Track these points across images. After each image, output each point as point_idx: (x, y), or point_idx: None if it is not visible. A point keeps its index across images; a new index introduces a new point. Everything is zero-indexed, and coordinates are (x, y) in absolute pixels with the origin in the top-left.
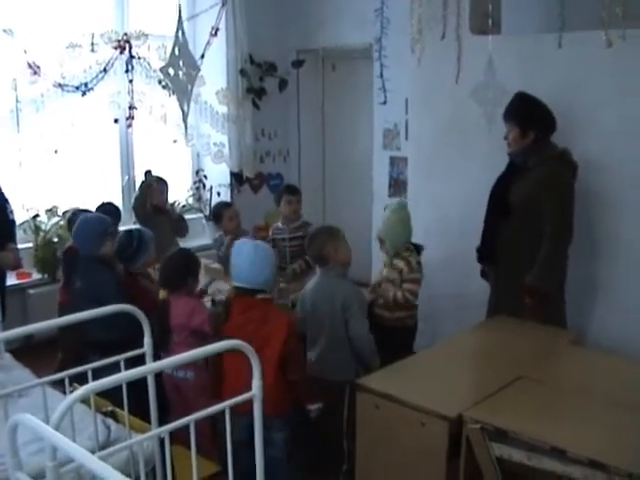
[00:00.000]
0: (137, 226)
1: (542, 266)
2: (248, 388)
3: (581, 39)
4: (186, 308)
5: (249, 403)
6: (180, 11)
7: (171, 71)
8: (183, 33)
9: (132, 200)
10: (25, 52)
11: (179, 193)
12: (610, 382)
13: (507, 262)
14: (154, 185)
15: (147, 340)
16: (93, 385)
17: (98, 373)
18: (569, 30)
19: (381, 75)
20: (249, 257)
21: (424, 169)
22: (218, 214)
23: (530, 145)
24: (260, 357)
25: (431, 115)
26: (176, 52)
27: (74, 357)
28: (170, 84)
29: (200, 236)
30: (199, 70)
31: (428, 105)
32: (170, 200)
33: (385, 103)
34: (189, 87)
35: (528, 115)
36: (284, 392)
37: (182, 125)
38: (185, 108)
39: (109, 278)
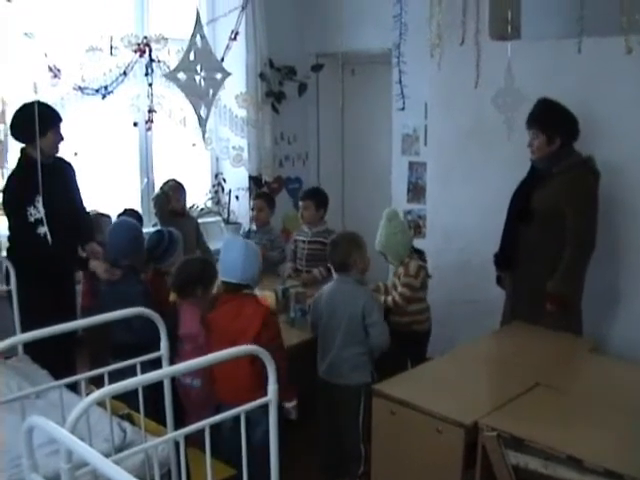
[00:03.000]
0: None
1: (564, 273)
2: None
3: (601, 45)
4: (193, 318)
5: (236, 392)
6: (198, 16)
7: (181, 76)
8: (203, 37)
9: (151, 205)
10: (45, 55)
11: (198, 196)
12: (629, 391)
13: (526, 268)
14: (170, 193)
15: (164, 344)
16: (109, 389)
17: (118, 375)
18: (589, 35)
19: (400, 81)
20: (240, 254)
21: (443, 174)
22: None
23: (555, 152)
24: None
25: (450, 120)
26: (191, 57)
27: (97, 361)
28: (180, 89)
29: (218, 239)
30: (227, 73)
31: (447, 110)
32: (189, 204)
33: (403, 109)
34: (210, 91)
35: (555, 122)
36: (260, 384)
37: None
38: (203, 113)
39: (135, 286)
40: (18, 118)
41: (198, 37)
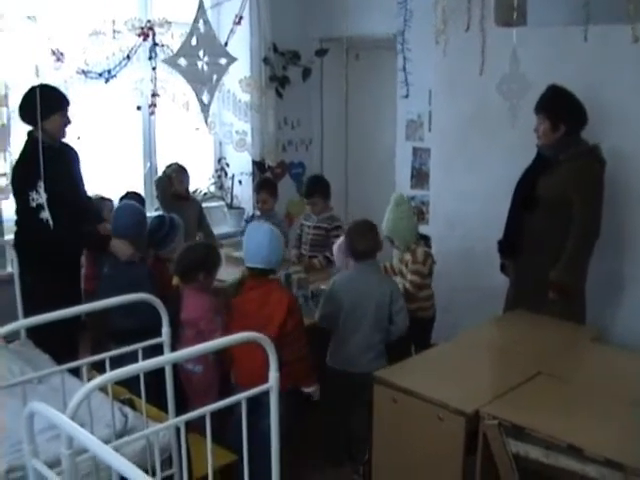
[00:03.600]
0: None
1: (568, 262)
2: (254, 366)
3: (607, 32)
4: (196, 304)
5: (251, 376)
6: (201, 1)
7: (181, 62)
8: (206, 22)
9: (154, 189)
10: (49, 39)
11: (201, 181)
12: (631, 380)
13: (530, 256)
14: (173, 175)
15: (165, 330)
16: (110, 375)
17: (119, 360)
18: (595, 23)
19: (404, 68)
20: (265, 239)
21: (447, 161)
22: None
23: (560, 139)
24: (263, 333)
25: (455, 107)
26: (193, 42)
27: (99, 345)
28: (181, 75)
29: (222, 224)
30: (233, 58)
31: (452, 97)
32: (192, 188)
33: (407, 97)
34: (214, 77)
35: (560, 109)
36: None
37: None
38: (206, 99)
39: (141, 269)
40: (26, 100)
41: (201, 22)
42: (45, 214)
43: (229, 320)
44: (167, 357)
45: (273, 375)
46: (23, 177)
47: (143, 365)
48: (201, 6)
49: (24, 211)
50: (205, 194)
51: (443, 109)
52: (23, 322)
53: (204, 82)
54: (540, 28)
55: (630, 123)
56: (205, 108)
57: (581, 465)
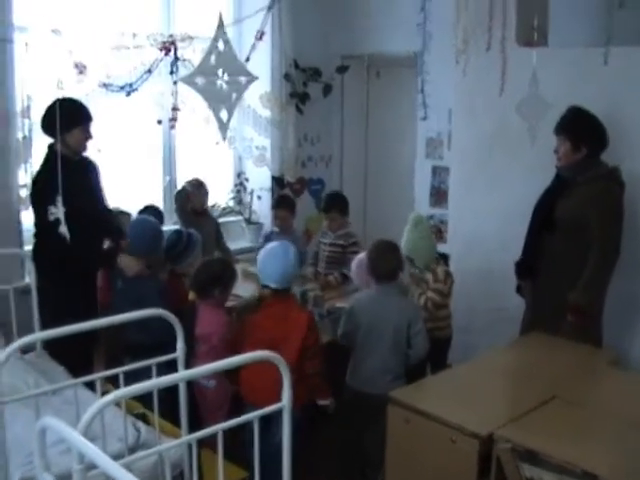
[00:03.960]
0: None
1: (588, 284)
2: (267, 385)
3: (628, 54)
4: (211, 320)
5: (263, 394)
6: (221, 20)
7: (199, 80)
8: (227, 42)
9: (173, 203)
10: (72, 52)
11: (220, 195)
12: None
13: (547, 278)
14: (190, 191)
15: (180, 345)
16: (124, 391)
17: (133, 374)
18: (616, 45)
19: (422, 90)
20: (280, 261)
21: (466, 180)
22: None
23: (580, 161)
24: (280, 352)
25: (474, 127)
26: (212, 61)
27: (114, 358)
28: (198, 93)
29: (240, 239)
30: (253, 77)
31: (471, 117)
32: (211, 202)
33: (425, 119)
34: (234, 95)
35: (582, 130)
36: (294, 387)
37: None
38: (224, 117)
39: (151, 283)
40: (49, 112)
41: (220, 41)
42: (63, 229)
43: (243, 337)
44: (181, 374)
45: (286, 395)
46: (42, 190)
47: (157, 382)
48: (221, 25)
49: (42, 224)
50: (224, 209)
51: (463, 128)
52: (39, 335)
53: (223, 100)
54: (561, 49)
55: None
56: (223, 126)
57: None
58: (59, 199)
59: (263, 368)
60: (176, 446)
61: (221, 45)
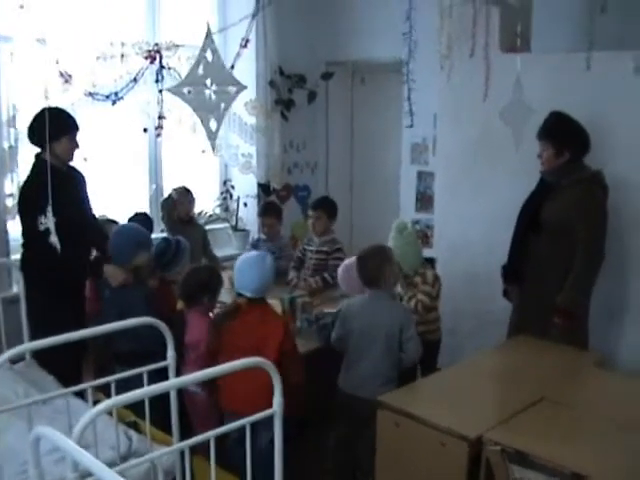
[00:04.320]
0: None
1: (573, 287)
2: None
3: (609, 59)
4: (200, 327)
5: (244, 402)
6: (209, 30)
7: (186, 90)
8: (215, 52)
9: (159, 211)
10: (57, 62)
11: (206, 203)
12: (634, 407)
13: (534, 281)
14: (176, 198)
15: (170, 353)
16: (115, 400)
17: (124, 383)
18: (598, 49)
19: (408, 98)
20: (255, 271)
21: (451, 185)
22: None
23: (564, 165)
24: (258, 356)
25: (459, 132)
26: (200, 71)
27: (103, 367)
28: (187, 103)
29: (226, 246)
30: (242, 87)
31: (456, 122)
32: (197, 210)
33: (412, 126)
34: (222, 105)
35: (564, 135)
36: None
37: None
38: (213, 127)
39: (137, 292)
40: (35, 121)
41: (209, 51)
42: (53, 239)
43: (220, 345)
44: (172, 382)
45: (277, 400)
46: (32, 200)
47: (148, 390)
48: (209, 35)
49: (31, 233)
50: (210, 216)
51: (448, 134)
52: (29, 345)
53: (211, 110)
54: (544, 55)
55: (633, 147)
56: (212, 136)
57: None
58: (49, 209)
59: (243, 376)
60: (169, 453)
61: (209, 55)
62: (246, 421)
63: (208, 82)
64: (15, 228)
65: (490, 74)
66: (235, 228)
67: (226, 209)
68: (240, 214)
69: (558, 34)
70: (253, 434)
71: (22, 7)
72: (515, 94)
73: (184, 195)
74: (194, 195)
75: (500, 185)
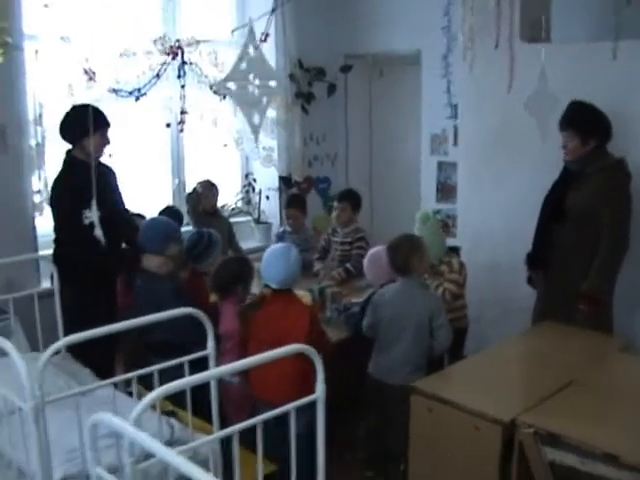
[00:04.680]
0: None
1: (599, 274)
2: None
3: (633, 48)
4: (234, 316)
5: (277, 391)
6: (251, 26)
7: (231, 85)
8: (257, 48)
9: (183, 205)
10: (81, 59)
11: (228, 196)
12: None
13: (559, 268)
14: (200, 192)
15: (210, 343)
16: (165, 388)
17: (160, 373)
18: (621, 38)
19: (448, 91)
20: (282, 263)
21: (474, 176)
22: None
23: (589, 153)
24: (283, 345)
25: (481, 122)
26: (242, 66)
27: (135, 358)
28: (231, 98)
29: (249, 238)
30: (283, 81)
31: (478, 112)
32: (220, 203)
33: (453, 117)
34: (264, 99)
35: (589, 123)
36: (302, 381)
37: (232, 129)
38: (256, 121)
39: (168, 284)
40: (67, 119)
41: (251, 47)
42: (98, 232)
43: (246, 332)
44: (213, 372)
45: (320, 387)
46: (74, 195)
47: (191, 379)
48: (251, 31)
49: (67, 228)
50: (233, 209)
51: (470, 124)
52: (71, 338)
53: (254, 104)
54: (567, 45)
55: None
56: (256, 129)
57: (616, 472)
58: (94, 202)
59: (272, 365)
60: (212, 441)
61: (251, 50)
62: (291, 406)
63: (251, 77)
64: (42, 225)
65: (514, 65)
66: (257, 221)
67: (248, 202)
68: (262, 207)
69: (576, 24)
70: (286, 423)
71: (46, 6)
72: (540, 84)
73: (208, 188)
74: (218, 188)
75: (522, 174)
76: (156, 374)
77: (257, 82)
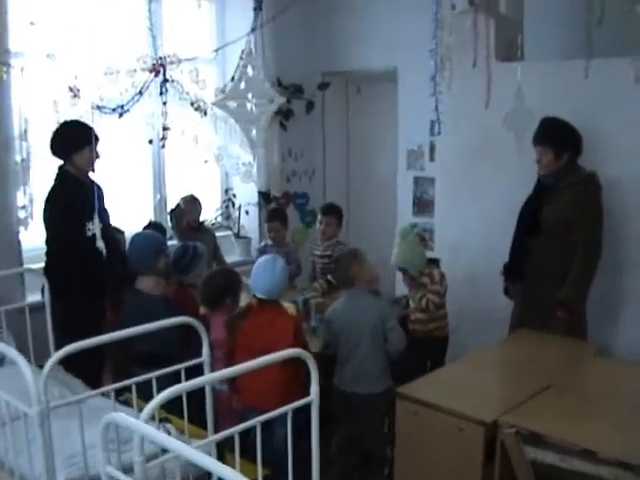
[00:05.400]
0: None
1: (574, 283)
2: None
3: (604, 66)
4: (223, 325)
5: (263, 397)
6: (250, 47)
7: (230, 104)
8: (255, 68)
9: (165, 220)
10: (67, 76)
11: (209, 211)
12: (635, 389)
13: (535, 278)
14: (183, 207)
15: (205, 350)
16: (168, 392)
17: (144, 384)
18: (592, 57)
19: (436, 109)
20: (270, 274)
21: (451, 190)
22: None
23: (562, 167)
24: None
25: (458, 138)
26: (241, 86)
27: (121, 369)
28: (230, 115)
29: (230, 253)
30: (281, 99)
31: (455, 129)
32: (201, 218)
33: (439, 134)
34: (263, 117)
35: (562, 139)
36: (288, 388)
37: (212, 146)
38: (254, 137)
39: (156, 296)
40: (58, 135)
41: (249, 67)
42: (100, 243)
43: (232, 342)
44: (207, 377)
45: (314, 389)
46: (74, 208)
47: (186, 385)
48: (250, 52)
49: (73, 241)
50: (213, 224)
51: (447, 139)
52: (70, 348)
53: (253, 121)
54: (539, 63)
55: (625, 150)
56: (254, 145)
57: (595, 467)
58: (96, 215)
59: (260, 373)
60: (207, 444)
61: (250, 70)
62: (288, 408)
63: (249, 96)
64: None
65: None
66: (237, 235)
67: (228, 217)
68: (242, 222)
69: (549, 42)
70: (273, 429)
71: (33, 24)
72: (517, 101)
73: (192, 203)
74: (201, 203)
75: (498, 188)
76: (154, 381)
77: (255, 100)
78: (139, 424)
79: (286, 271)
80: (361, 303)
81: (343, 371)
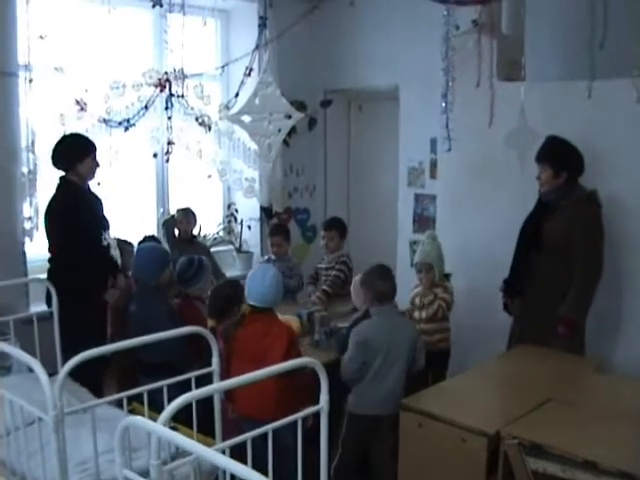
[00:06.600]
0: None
1: (575, 299)
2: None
3: (605, 87)
4: None
5: (262, 408)
6: (267, 65)
7: (245, 118)
8: (270, 84)
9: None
10: (74, 89)
11: (211, 226)
12: (635, 403)
13: (535, 295)
14: (176, 219)
15: (215, 360)
16: (183, 398)
17: (149, 393)
18: (594, 78)
19: (447, 126)
20: (266, 282)
21: (453, 207)
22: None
23: (562, 185)
24: (263, 364)
25: (460, 156)
26: (256, 102)
27: (125, 377)
28: (244, 129)
29: (231, 267)
30: (299, 115)
31: (458, 146)
32: (202, 233)
33: (450, 150)
34: (278, 131)
35: (562, 158)
36: (284, 397)
37: (216, 160)
38: (271, 152)
39: (163, 307)
40: (60, 147)
41: (266, 86)
42: (114, 252)
43: (228, 350)
44: (217, 385)
45: (324, 398)
46: (92, 215)
47: (197, 392)
48: (266, 70)
49: (84, 249)
50: (215, 238)
51: (450, 157)
52: (85, 354)
53: (268, 136)
54: (542, 83)
55: (626, 169)
56: (268, 159)
57: (596, 478)
58: (110, 226)
59: (260, 383)
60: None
61: (267, 87)
62: (298, 416)
63: (265, 111)
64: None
65: (489, 102)
66: (239, 250)
67: (230, 232)
68: (244, 236)
69: (550, 64)
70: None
71: (42, 37)
72: (520, 121)
73: (185, 215)
74: (196, 215)
75: (500, 205)
76: (165, 388)
77: (271, 116)
78: (158, 426)
79: (278, 280)
80: (395, 322)
81: (370, 395)
